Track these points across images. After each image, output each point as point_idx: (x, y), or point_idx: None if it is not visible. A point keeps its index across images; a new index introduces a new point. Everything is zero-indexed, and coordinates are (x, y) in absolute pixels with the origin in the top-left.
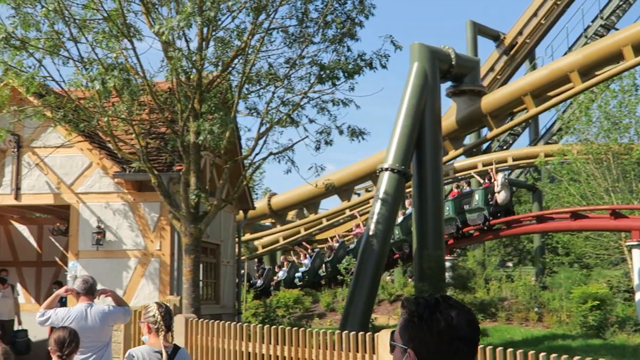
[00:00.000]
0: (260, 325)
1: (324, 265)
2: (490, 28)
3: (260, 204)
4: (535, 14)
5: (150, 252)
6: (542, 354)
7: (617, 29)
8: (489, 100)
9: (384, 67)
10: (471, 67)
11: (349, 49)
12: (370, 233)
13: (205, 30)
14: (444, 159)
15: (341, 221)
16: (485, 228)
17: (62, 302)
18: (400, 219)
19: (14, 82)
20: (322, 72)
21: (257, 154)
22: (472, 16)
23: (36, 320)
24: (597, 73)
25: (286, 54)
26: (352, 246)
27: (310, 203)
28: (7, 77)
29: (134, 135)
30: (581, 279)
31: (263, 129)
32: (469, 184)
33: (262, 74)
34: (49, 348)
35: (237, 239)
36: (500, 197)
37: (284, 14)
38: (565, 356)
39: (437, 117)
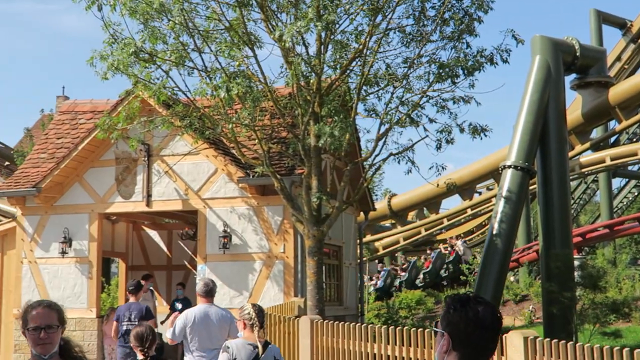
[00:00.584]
0: (384, 326)
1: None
2: (616, 16)
3: (380, 205)
4: None
5: (274, 255)
6: None
7: None
8: (617, 91)
9: (505, 61)
10: (597, 58)
11: (468, 46)
12: (494, 232)
13: (323, 34)
14: (570, 154)
15: (462, 221)
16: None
17: (178, 301)
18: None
19: (144, 94)
20: (441, 71)
21: (376, 155)
22: (595, 4)
23: (168, 338)
24: None
25: (404, 54)
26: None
27: (431, 203)
28: (137, 90)
29: (256, 140)
30: None
31: (382, 129)
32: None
33: (381, 75)
34: (131, 344)
35: (358, 241)
36: (465, 258)
37: (401, 13)
38: None
39: (561, 111)
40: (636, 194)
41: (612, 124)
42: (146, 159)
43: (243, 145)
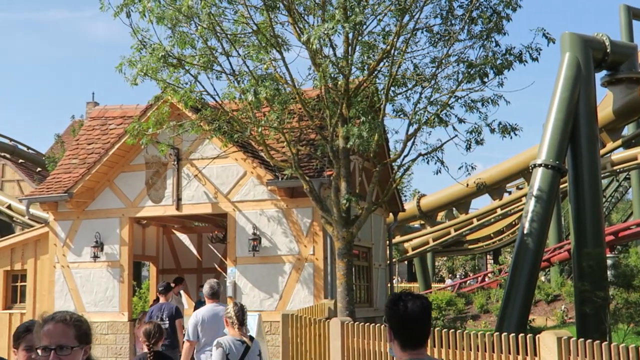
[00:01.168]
0: None
1: None
2: None
3: (409, 205)
4: None
5: (304, 257)
6: None
7: None
8: None
9: (535, 59)
10: (628, 54)
11: (496, 44)
12: (525, 232)
13: (351, 35)
14: (601, 151)
15: (492, 220)
16: None
17: (202, 302)
18: None
19: (173, 98)
20: (469, 70)
21: (405, 156)
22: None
23: (185, 340)
24: None
25: (432, 54)
26: None
27: (460, 203)
28: (166, 94)
29: (285, 143)
30: None
31: (411, 130)
32: None
33: (409, 76)
34: (139, 339)
35: (387, 242)
36: None
37: (428, 13)
38: None
39: (592, 109)
40: None
41: None
42: (176, 163)
43: (272, 147)
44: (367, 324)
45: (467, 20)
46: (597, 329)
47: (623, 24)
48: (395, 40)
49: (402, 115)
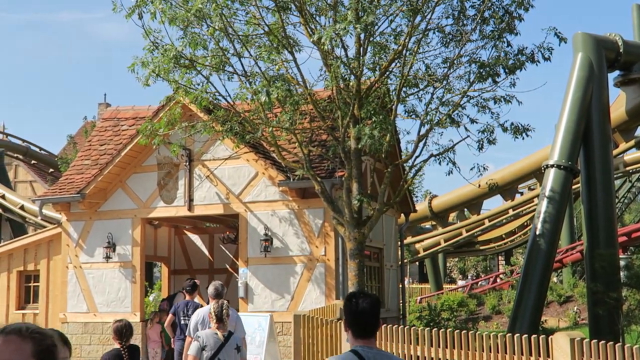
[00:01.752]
0: (427, 328)
1: None
2: None
3: (421, 206)
4: None
5: (315, 258)
6: None
7: None
8: None
9: (547, 59)
10: None
11: (508, 44)
12: (537, 233)
13: (362, 36)
14: (614, 152)
15: (504, 221)
16: None
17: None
18: None
19: (185, 99)
20: (481, 70)
21: (417, 157)
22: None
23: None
24: None
25: (443, 54)
26: None
27: (472, 204)
28: (178, 95)
29: (296, 143)
30: None
31: (423, 130)
32: None
33: (420, 76)
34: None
35: (399, 243)
36: None
37: (440, 13)
38: None
39: (605, 109)
40: None
41: None
42: (187, 163)
43: (283, 148)
44: None
45: (479, 21)
46: (610, 331)
47: (636, 23)
48: (407, 40)
49: (413, 116)
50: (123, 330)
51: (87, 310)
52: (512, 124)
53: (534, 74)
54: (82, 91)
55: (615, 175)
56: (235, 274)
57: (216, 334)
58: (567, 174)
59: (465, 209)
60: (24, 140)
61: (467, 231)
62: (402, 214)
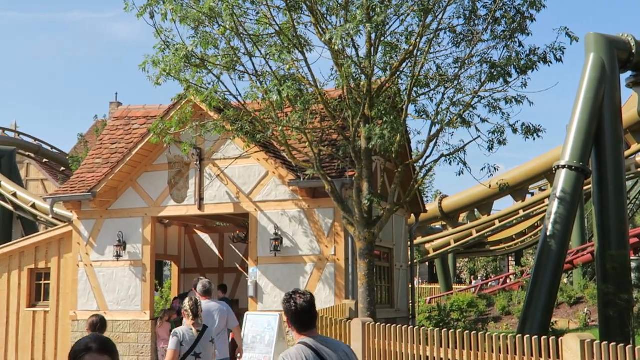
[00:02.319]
0: (437, 329)
1: None
2: None
3: (431, 206)
4: None
5: (325, 257)
6: None
7: None
8: None
9: (559, 60)
10: None
11: (520, 45)
12: (548, 234)
13: (373, 35)
14: (626, 153)
15: (514, 222)
16: None
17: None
18: None
19: (196, 98)
20: (493, 70)
21: (427, 157)
22: None
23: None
24: None
25: (455, 54)
26: None
27: (482, 204)
28: (189, 95)
29: (307, 143)
30: None
31: (434, 131)
32: None
33: (431, 76)
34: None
35: (409, 243)
36: None
37: (452, 13)
38: None
39: (617, 110)
40: None
41: None
42: (198, 163)
43: (294, 148)
44: (389, 324)
45: (491, 21)
46: (621, 332)
47: None
48: (418, 40)
49: (424, 116)
50: (97, 325)
51: (98, 308)
52: (523, 124)
53: (546, 75)
54: (94, 90)
55: (627, 176)
56: (245, 273)
57: (191, 329)
58: (578, 175)
59: (476, 210)
60: (35, 139)
61: (477, 232)
62: (413, 214)
